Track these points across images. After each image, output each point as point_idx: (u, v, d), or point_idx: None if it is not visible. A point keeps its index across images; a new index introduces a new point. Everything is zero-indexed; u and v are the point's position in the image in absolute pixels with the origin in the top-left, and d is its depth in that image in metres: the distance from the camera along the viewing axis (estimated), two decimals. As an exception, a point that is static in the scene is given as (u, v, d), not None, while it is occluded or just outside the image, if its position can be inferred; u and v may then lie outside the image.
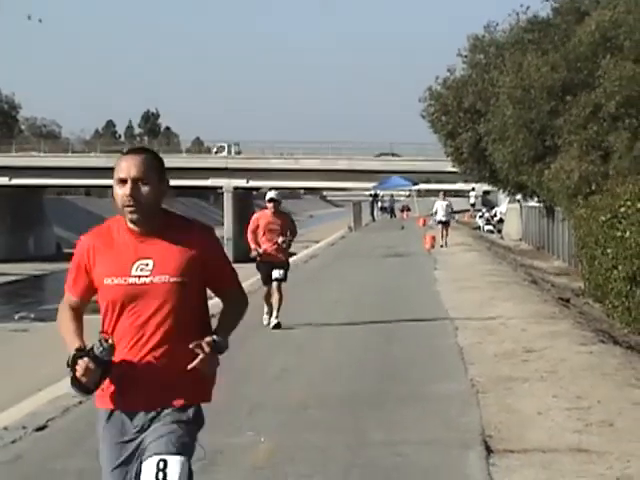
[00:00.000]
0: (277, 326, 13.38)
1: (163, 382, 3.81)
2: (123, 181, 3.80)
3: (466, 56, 34.10)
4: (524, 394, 8.87)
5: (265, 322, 13.57)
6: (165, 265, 3.81)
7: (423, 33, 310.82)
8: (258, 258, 13.53)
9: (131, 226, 3.83)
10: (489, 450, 7.01)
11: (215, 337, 3.81)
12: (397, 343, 12.19)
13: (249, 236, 13.56)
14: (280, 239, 13.33)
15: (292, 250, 15.59)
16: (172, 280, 3.80)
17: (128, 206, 3.79)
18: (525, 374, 9.77)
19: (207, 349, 3.74)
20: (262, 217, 13.65)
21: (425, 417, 8.06)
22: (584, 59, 25.92)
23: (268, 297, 13.54)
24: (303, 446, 7.23)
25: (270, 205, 13.64)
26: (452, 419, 7.94)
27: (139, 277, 3.81)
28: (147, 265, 3.81)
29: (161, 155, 4.03)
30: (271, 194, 13.85)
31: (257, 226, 13.50)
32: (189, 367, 3.72)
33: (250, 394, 9.19)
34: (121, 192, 3.80)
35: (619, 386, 9.09)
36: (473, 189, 54.50)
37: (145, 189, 3.79)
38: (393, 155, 66.74)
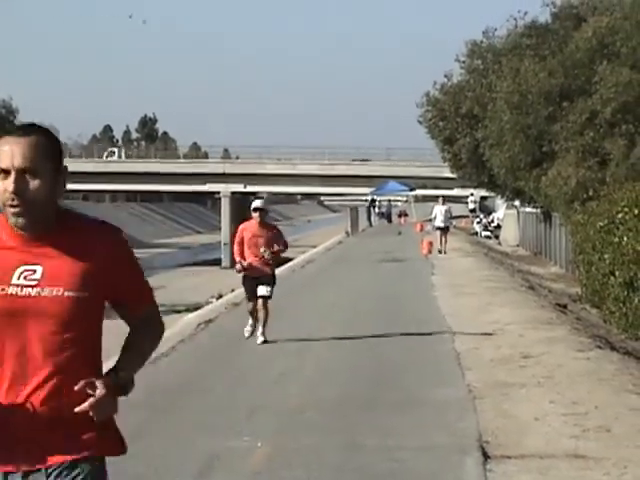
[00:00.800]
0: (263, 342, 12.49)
1: (49, 431, 2.87)
2: (5, 172, 2.84)
3: (464, 62, 34.15)
4: (521, 400, 8.87)
5: (247, 334, 12.65)
6: (58, 274, 2.87)
7: (422, 38, 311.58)
8: (243, 272, 12.45)
9: (16, 228, 2.92)
10: (486, 456, 7.01)
11: (115, 375, 2.91)
12: (394, 348, 12.18)
13: (235, 248, 12.49)
14: (266, 253, 12.22)
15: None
16: (67, 294, 2.87)
17: (11, 206, 2.85)
18: (522, 380, 9.78)
19: (101, 391, 2.81)
20: (247, 228, 12.50)
21: (422, 422, 8.07)
22: (581, 65, 25.98)
23: (253, 312, 12.60)
24: (301, 451, 7.23)
25: (256, 215, 12.41)
26: (449, 425, 7.94)
27: (22, 287, 2.87)
28: (34, 272, 2.87)
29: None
30: (257, 203, 12.64)
31: (242, 238, 12.43)
32: (76, 410, 2.81)
33: (248, 398, 9.19)
34: (2, 187, 2.85)
35: (616, 392, 9.10)
36: (472, 194, 54.36)
37: (35, 183, 2.85)
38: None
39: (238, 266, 12.40)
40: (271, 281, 12.46)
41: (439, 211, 31.76)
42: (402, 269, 25.96)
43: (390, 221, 65.22)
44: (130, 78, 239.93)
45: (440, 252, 30.28)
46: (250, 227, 12.47)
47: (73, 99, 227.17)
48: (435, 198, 39.84)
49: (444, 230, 31.36)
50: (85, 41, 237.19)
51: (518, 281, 22.68)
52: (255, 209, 12.46)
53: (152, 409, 8.83)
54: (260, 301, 12.36)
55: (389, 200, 69.17)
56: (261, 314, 12.41)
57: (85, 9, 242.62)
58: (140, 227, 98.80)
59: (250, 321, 12.66)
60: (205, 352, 12.41)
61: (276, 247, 12.28)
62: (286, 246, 12.58)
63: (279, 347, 12.37)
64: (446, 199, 34.72)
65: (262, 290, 12.33)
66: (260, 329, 12.47)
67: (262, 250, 12.17)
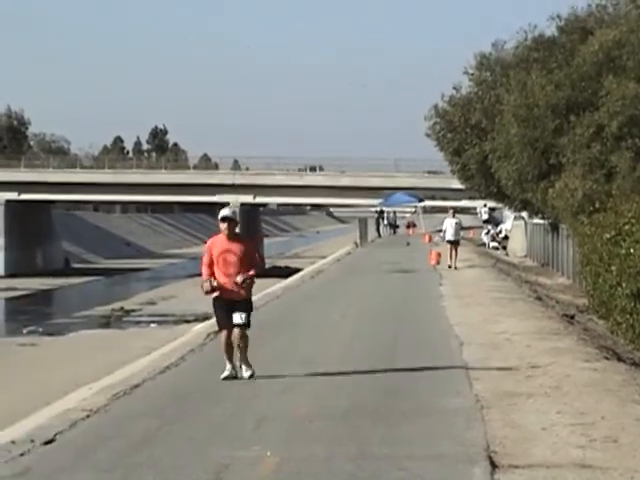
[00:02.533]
0: (250, 377, 10.78)
1: None
2: None
3: (472, 74, 34.21)
4: (528, 410, 8.92)
5: (223, 375, 10.80)
6: None
7: (429, 51, 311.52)
8: (213, 293, 10.59)
9: None
10: (494, 465, 7.06)
11: None
12: (402, 358, 12.23)
13: (203, 270, 10.57)
14: (239, 278, 10.39)
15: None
16: None
17: None
18: (529, 390, 9.82)
19: None
20: (215, 244, 10.56)
21: (430, 432, 8.11)
22: (588, 78, 26.03)
23: (229, 348, 10.73)
24: (309, 460, 7.29)
25: (224, 226, 10.46)
26: (457, 434, 7.99)
27: None
28: None
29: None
30: (224, 211, 10.67)
31: (211, 257, 10.51)
32: None
33: (257, 408, 9.25)
34: None
35: (623, 402, 9.15)
36: (485, 205, 54.20)
37: None
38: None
39: (206, 285, 10.46)
40: (247, 306, 10.66)
41: (449, 224, 30.34)
42: (410, 279, 26.00)
43: (395, 232, 65.12)
44: (141, 89, 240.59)
45: (450, 267, 29.18)
46: (218, 242, 10.56)
47: (84, 110, 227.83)
48: (444, 209, 39.86)
49: (454, 244, 29.96)
50: (96, 53, 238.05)
51: (526, 292, 22.72)
52: (223, 219, 10.53)
53: (161, 418, 8.91)
54: (236, 331, 10.60)
55: (394, 211, 69.22)
56: (237, 346, 10.68)
57: (93, 18, 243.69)
58: (151, 238, 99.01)
59: (227, 365, 10.84)
60: (214, 362, 12.46)
61: (251, 272, 10.47)
62: (258, 263, 10.65)
63: (288, 356, 12.42)
64: (455, 210, 34.58)
65: (237, 318, 10.57)
66: (243, 365, 10.81)
67: (239, 280, 10.40)
